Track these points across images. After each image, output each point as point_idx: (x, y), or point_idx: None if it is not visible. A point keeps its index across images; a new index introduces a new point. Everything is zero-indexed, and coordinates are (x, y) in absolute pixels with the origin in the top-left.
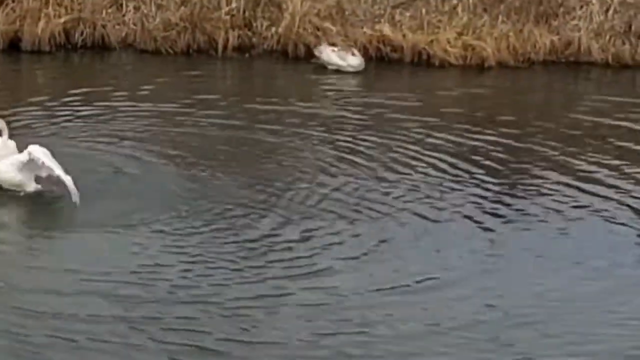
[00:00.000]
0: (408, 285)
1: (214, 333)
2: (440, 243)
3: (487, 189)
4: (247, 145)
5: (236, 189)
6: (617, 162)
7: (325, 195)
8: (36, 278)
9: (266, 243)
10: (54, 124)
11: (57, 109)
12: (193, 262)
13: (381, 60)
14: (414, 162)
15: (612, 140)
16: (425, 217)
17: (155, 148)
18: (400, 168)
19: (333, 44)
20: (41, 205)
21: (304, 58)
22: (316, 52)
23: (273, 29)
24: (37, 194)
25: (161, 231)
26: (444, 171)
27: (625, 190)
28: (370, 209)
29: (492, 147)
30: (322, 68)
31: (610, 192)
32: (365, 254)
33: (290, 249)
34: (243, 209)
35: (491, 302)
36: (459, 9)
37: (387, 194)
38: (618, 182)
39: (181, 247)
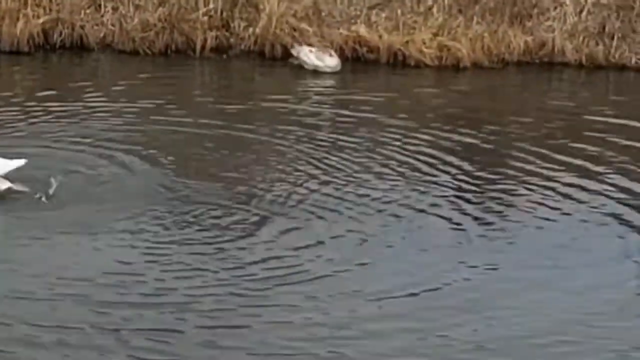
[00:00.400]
0: (389, 290)
1: (188, 338)
2: (419, 244)
3: (463, 189)
4: (225, 145)
5: (213, 190)
6: (588, 162)
7: (303, 196)
8: (6, 283)
9: (244, 245)
10: (31, 124)
11: (34, 109)
12: (168, 265)
13: (357, 61)
14: (391, 163)
15: (584, 139)
16: (403, 218)
17: (132, 148)
18: (377, 168)
19: (310, 45)
20: (11, 209)
21: (281, 58)
22: (293, 52)
23: (250, 30)
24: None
25: (136, 233)
26: (421, 171)
27: (595, 190)
28: (348, 209)
29: (467, 147)
30: (299, 68)
31: (581, 192)
32: (345, 256)
33: (268, 250)
34: (220, 210)
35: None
36: (434, 10)
37: (365, 195)
38: (589, 182)
39: (157, 250)
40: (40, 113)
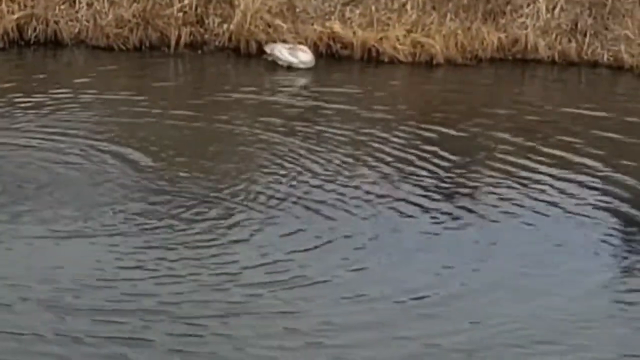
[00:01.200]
0: (365, 295)
1: (160, 345)
2: (399, 247)
3: (435, 185)
4: (198, 140)
5: (186, 186)
6: (559, 158)
7: (277, 193)
8: None
9: (220, 247)
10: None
11: (2, 103)
12: (140, 268)
13: (331, 57)
14: (364, 159)
15: (555, 135)
16: (380, 218)
17: (104, 144)
18: (350, 165)
19: (284, 41)
20: None
21: (256, 55)
22: (267, 49)
23: (225, 26)
24: None
25: (107, 233)
26: (393, 167)
27: (566, 187)
28: (321, 206)
29: (440, 143)
30: (274, 65)
31: (552, 189)
32: (319, 260)
33: (245, 252)
34: (194, 207)
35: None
36: (408, 7)
37: (338, 192)
38: (560, 178)
39: (129, 252)
40: (10, 107)
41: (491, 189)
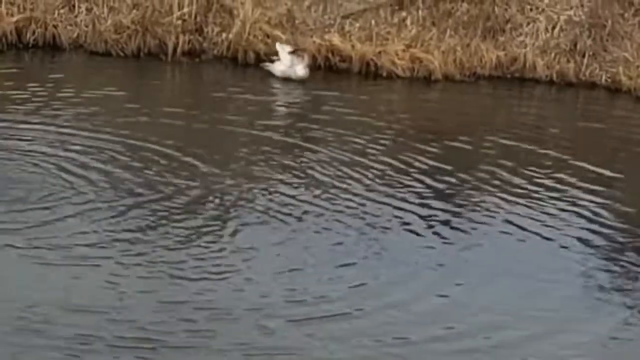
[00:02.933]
0: (360, 309)
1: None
2: (390, 261)
3: (428, 203)
4: (188, 149)
5: (175, 193)
6: (553, 178)
7: (268, 204)
8: None
9: (199, 255)
10: None
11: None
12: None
13: (329, 70)
14: (357, 173)
15: (550, 156)
16: (369, 232)
17: (93, 149)
18: (342, 179)
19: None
20: None
21: (254, 65)
22: (278, 47)
23: (224, 35)
24: None
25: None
26: (386, 184)
27: (561, 206)
28: (312, 219)
29: (434, 160)
30: (271, 75)
31: (546, 206)
32: (305, 273)
33: (225, 261)
34: (176, 215)
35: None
36: (408, 22)
37: (330, 205)
38: (552, 198)
39: (92, 254)
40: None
41: (483, 207)
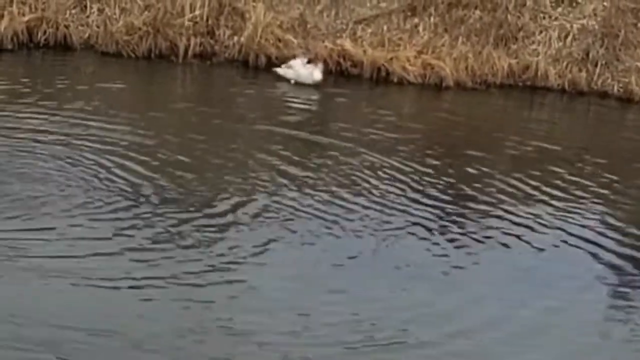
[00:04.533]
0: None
1: None
2: (396, 271)
3: (436, 210)
4: (197, 152)
5: (181, 197)
6: (564, 187)
7: (275, 211)
8: None
9: (197, 264)
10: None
11: (8, 105)
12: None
13: (341, 75)
14: (365, 179)
15: (561, 164)
16: (375, 241)
17: (101, 150)
18: (348, 187)
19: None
20: None
21: (265, 68)
22: (283, 67)
23: (235, 38)
24: None
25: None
26: (394, 189)
27: (571, 218)
28: (320, 228)
29: (444, 168)
30: (282, 79)
31: (556, 215)
32: (312, 280)
33: (228, 268)
34: (181, 218)
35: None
36: (420, 28)
37: (337, 214)
38: (561, 208)
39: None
40: (14, 110)
41: (491, 215)
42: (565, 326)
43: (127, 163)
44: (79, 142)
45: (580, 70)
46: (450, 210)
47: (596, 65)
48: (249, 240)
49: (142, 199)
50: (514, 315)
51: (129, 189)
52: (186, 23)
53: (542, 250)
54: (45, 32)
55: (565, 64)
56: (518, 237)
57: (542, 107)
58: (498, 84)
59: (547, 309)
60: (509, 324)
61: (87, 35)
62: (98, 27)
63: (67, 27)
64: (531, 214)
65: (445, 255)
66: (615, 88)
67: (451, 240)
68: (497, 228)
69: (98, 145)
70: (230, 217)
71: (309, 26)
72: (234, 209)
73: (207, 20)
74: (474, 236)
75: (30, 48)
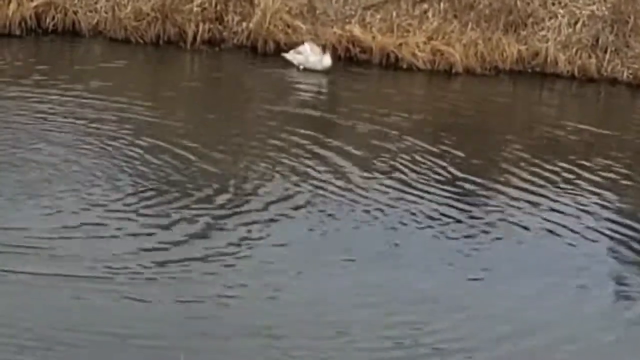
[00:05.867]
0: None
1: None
2: (404, 258)
3: (444, 196)
4: (204, 139)
5: (181, 185)
6: (573, 174)
7: (280, 195)
8: None
9: (197, 254)
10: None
11: (15, 91)
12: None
13: (350, 61)
14: (374, 165)
15: (570, 151)
16: (384, 227)
17: (109, 134)
18: (357, 172)
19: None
20: None
21: (273, 54)
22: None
23: (244, 24)
24: None
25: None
26: (402, 177)
27: (580, 203)
28: (327, 214)
29: (452, 154)
30: (290, 65)
31: (564, 206)
32: (316, 272)
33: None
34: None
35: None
36: (430, 14)
37: (345, 201)
38: (572, 196)
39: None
40: (22, 96)
41: (499, 202)
42: None
43: (135, 148)
44: (84, 126)
45: (589, 57)
46: (457, 195)
47: (606, 52)
48: (247, 224)
49: (151, 180)
50: None
51: (140, 172)
52: (195, 9)
53: (557, 243)
54: (53, 17)
55: (574, 50)
56: (530, 227)
57: (551, 93)
58: (507, 70)
59: None
60: None
61: (95, 21)
62: (106, 12)
63: (75, 13)
64: (540, 198)
65: (447, 237)
66: (625, 74)
67: (454, 223)
68: (499, 212)
69: (104, 129)
70: (237, 199)
71: (317, 12)
72: (239, 192)
73: (216, 6)
74: (474, 220)
75: (39, 34)
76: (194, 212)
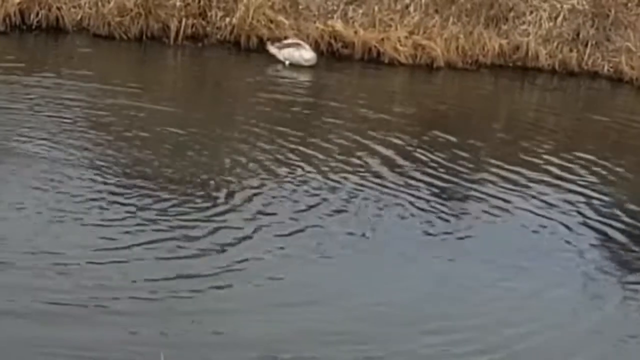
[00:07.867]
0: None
1: None
2: (386, 252)
3: (426, 190)
4: (186, 135)
5: (169, 180)
6: (554, 167)
7: (265, 192)
8: None
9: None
10: None
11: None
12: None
13: (332, 56)
14: (357, 160)
15: (551, 145)
16: (365, 221)
17: (92, 131)
18: (342, 166)
19: (285, 38)
20: None
21: (256, 50)
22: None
23: (227, 20)
24: None
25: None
26: (387, 170)
27: (561, 195)
28: (308, 209)
29: (435, 148)
30: (274, 60)
31: (545, 197)
32: (298, 266)
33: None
34: (173, 199)
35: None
36: (411, 9)
37: (326, 195)
38: (551, 186)
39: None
40: (7, 92)
41: (482, 194)
42: None
43: (121, 143)
44: (71, 122)
45: (570, 51)
46: (440, 189)
47: (587, 46)
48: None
49: (134, 178)
50: None
51: (121, 168)
52: (178, 4)
53: (530, 227)
54: (37, 14)
55: (555, 44)
56: (513, 219)
57: (532, 87)
58: (489, 65)
59: None
60: None
61: (79, 17)
62: (90, 8)
63: (59, 9)
64: (520, 192)
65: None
66: (606, 68)
67: (436, 218)
68: (483, 204)
69: (89, 127)
70: (220, 194)
71: (300, 7)
72: (224, 189)
73: (199, 1)
74: (459, 212)
75: (23, 30)
76: (171, 207)
